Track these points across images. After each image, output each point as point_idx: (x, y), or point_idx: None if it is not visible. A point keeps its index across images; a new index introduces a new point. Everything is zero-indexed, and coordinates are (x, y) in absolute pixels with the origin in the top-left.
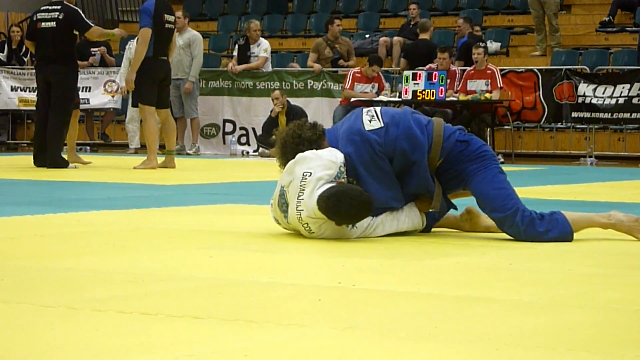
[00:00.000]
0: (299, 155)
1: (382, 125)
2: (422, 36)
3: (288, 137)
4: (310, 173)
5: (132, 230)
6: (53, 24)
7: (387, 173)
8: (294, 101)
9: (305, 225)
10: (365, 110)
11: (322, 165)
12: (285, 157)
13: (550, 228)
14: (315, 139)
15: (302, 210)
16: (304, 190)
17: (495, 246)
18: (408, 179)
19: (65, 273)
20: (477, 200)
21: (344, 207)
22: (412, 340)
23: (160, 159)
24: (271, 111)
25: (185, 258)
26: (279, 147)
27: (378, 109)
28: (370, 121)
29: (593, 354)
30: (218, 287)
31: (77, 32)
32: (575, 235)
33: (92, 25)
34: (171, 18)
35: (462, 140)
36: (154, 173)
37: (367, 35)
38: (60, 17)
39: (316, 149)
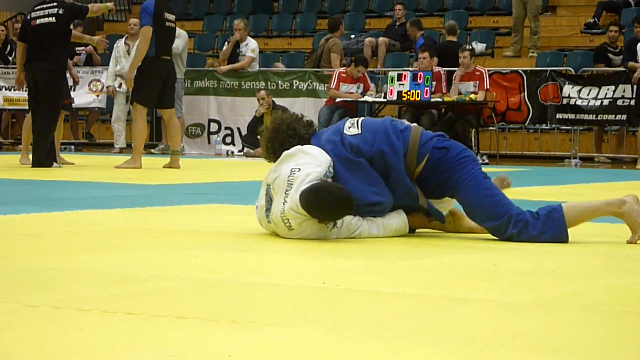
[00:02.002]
0: (286, 153)
1: (360, 132)
2: (449, 38)
3: (282, 126)
4: (299, 169)
5: (116, 230)
6: (52, 19)
7: (366, 169)
8: (279, 101)
9: (286, 221)
10: (349, 119)
11: (312, 162)
12: (272, 143)
13: (545, 230)
14: (307, 137)
15: (287, 203)
16: (291, 184)
17: (479, 247)
18: (390, 189)
19: (49, 272)
20: (467, 212)
21: (322, 202)
22: (396, 340)
23: (163, 160)
24: (256, 111)
25: (169, 258)
26: (270, 133)
27: (362, 118)
28: (349, 128)
29: (577, 355)
30: (202, 287)
31: (72, 28)
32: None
33: (87, 6)
34: (171, 17)
35: (441, 147)
36: (138, 173)
37: (352, 36)
38: (60, 12)
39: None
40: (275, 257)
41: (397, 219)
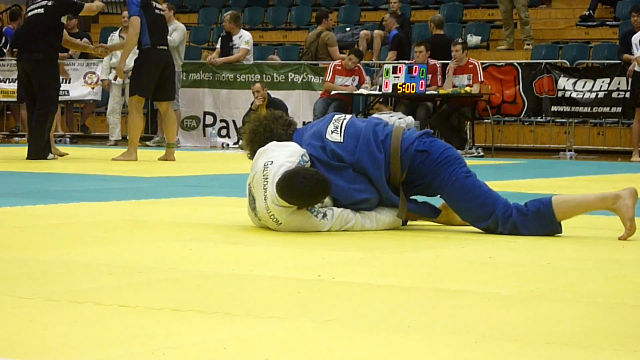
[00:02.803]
0: (260, 149)
1: (342, 140)
2: (437, 32)
3: (260, 128)
4: (272, 162)
5: (111, 222)
6: (41, 10)
7: (347, 169)
8: (274, 94)
9: (272, 216)
10: (335, 118)
11: (284, 153)
12: (253, 146)
13: (534, 229)
14: (285, 138)
15: (267, 198)
16: (267, 179)
17: (474, 239)
18: None
19: (44, 265)
20: (456, 214)
21: (297, 185)
22: (392, 332)
23: (159, 152)
24: (252, 103)
25: (164, 250)
26: (248, 135)
27: (346, 120)
28: (332, 132)
29: (572, 347)
30: (197, 279)
31: (64, 21)
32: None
33: (83, 3)
34: (159, 4)
35: (422, 150)
36: (134, 165)
37: (347, 29)
38: (49, 3)
39: None
40: (270, 249)
41: (391, 213)
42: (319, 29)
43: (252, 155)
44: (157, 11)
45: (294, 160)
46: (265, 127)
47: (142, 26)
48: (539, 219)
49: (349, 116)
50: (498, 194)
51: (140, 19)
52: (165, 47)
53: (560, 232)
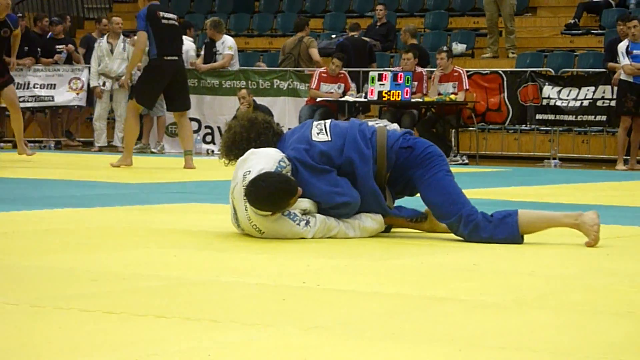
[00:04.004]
0: (240, 159)
1: (330, 139)
2: (412, 41)
3: (237, 137)
4: (250, 171)
5: (95, 229)
6: None
7: (330, 172)
8: (260, 100)
9: (254, 226)
10: (315, 123)
11: (261, 161)
12: (228, 155)
13: (495, 234)
14: (264, 139)
15: (248, 208)
16: (245, 194)
17: (459, 247)
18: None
19: (28, 271)
20: (427, 207)
21: (258, 190)
22: (376, 340)
23: (142, 158)
24: (237, 110)
25: (149, 257)
26: (227, 143)
27: (328, 122)
28: (318, 134)
29: (556, 355)
30: (182, 286)
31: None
32: (538, 237)
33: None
34: (169, 15)
35: (406, 147)
36: (118, 171)
37: (333, 36)
38: None
39: None
40: (255, 256)
41: (374, 221)
42: (299, 35)
43: (227, 163)
44: (165, 21)
45: (271, 167)
46: (248, 139)
47: (150, 38)
48: (502, 226)
49: (329, 120)
50: (470, 201)
51: (147, 33)
52: (175, 58)
53: (521, 243)
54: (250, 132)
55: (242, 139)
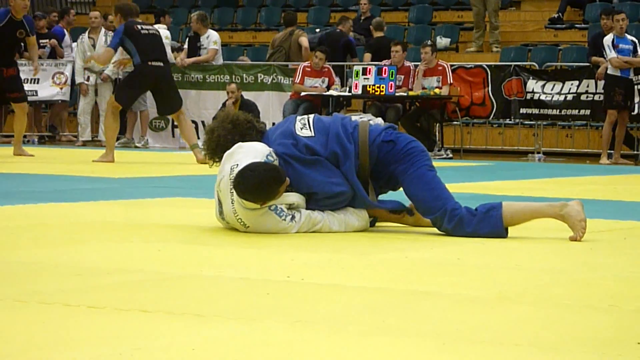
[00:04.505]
0: (226, 153)
1: (313, 134)
2: (377, 34)
3: (221, 141)
4: (237, 164)
5: (79, 224)
6: None
7: (322, 162)
8: (244, 95)
9: (240, 220)
10: (298, 118)
11: (249, 155)
12: (213, 157)
13: (480, 228)
14: (249, 139)
15: (234, 201)
16: (232, 186)
17: (443, 241)
18: None
19: (11, 266)
20: (411, 201)
21: (247, 180)
22: (360, 334)
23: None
24: (223, 104)
25: (132, 251)
26: (211, 146)
27: (311, 117)
28: (301, 129)
29: (540, 349)
30: (165, 280)
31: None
32: (522, 231)
33: None
34: (147, 26)
35: (388, 141)
36: (104, 166)
37: (317, 30)
38: None
39: None
40: (239, 251)
41: (359, 219)
42: (289, 29)
43: (212, 164)
44: (144, 32)
45: (259, 160)
46: (233, 140)
47: (132, 50)
48: (486, 220)
49: (312, 115)
50: (453, 196)
51: (115, 51)
52: (160, 64)
53: (505, 236)
54: (235, 135)
55: (227, 141)
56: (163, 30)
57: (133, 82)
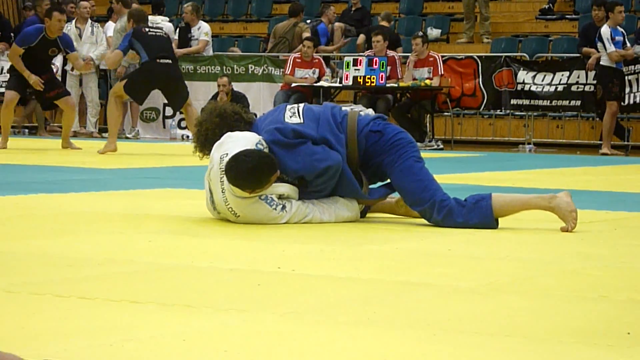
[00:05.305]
0: (216, 142)
1: (302, 121)
2: (383, 23)
3: (209, 134)
4: (227, 154)
5: (70, 214)
6: None
7: (305, 143)
8: (234, 86)
9: (230, 209)
10: (288, 107)
11: (238, 143)
12: (203, 150)
13: (469, 219)
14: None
15: (225, 190)
16: (224, 171)
17: (434, 232)
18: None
19: (2, 256)
20: (399, 194)
21: (241, 164)
22: (351, 325)
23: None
24: (214, 96)
25: (123, 242)
26: (200, 139)
27: (301, 106)
28: (291, 117)
29: (531, 339)
30: (157, 271)
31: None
32: (513, 222)
33: None
34: (154, 26)
35: (376, 131)
36: (92, 157)
37: (308, 21)
38: None
39: None
40: (229, 242)
41: (350, 210)
42: (292, 20)
43: (202, 156)
44: (151, 32)
45: (249, 148)
46: (221, 133)
47: (139, 49)
48: (476, 210)
49: (302, 104)
50: (442, 188)
51: (124, 54)
52: (168, 61)
53: (496, 227)
54: (223, 128)
55: (215, 135)
56: (166, 23)
57: (141, 78)
